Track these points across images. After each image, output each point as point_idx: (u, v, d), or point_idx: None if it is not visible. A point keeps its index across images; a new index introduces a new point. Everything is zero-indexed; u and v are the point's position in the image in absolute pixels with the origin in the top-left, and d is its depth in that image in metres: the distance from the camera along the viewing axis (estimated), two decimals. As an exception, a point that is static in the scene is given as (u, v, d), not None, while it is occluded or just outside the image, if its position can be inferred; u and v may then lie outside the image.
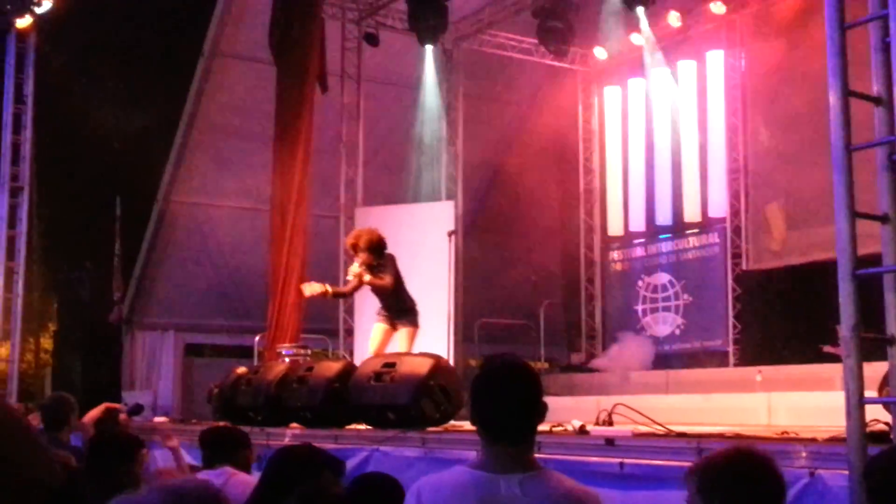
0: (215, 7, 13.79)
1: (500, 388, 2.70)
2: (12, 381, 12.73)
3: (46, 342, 16.87)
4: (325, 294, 8.76)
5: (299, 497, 3.15)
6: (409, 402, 7.25)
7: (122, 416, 6.30)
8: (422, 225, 12.43)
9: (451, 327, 10.15)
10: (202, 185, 14.75)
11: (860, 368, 3.77)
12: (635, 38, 14.54)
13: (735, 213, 13.84)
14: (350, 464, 6.33)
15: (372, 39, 14.05)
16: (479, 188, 16.55)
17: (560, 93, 16.29)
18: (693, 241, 14.45)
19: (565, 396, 12.04)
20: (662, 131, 14.76)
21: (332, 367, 8.47)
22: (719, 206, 14.08)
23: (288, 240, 12.13)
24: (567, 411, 7.90)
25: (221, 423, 7.47)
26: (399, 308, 8.69)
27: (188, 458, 6.23)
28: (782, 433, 5.85)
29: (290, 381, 8.59)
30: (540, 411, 2.70)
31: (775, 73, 13.40)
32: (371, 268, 8.55)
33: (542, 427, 2.94)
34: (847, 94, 3.87)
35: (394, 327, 8.70)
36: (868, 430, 3.81)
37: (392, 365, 7.63)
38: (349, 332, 13.34)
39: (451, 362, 9.17)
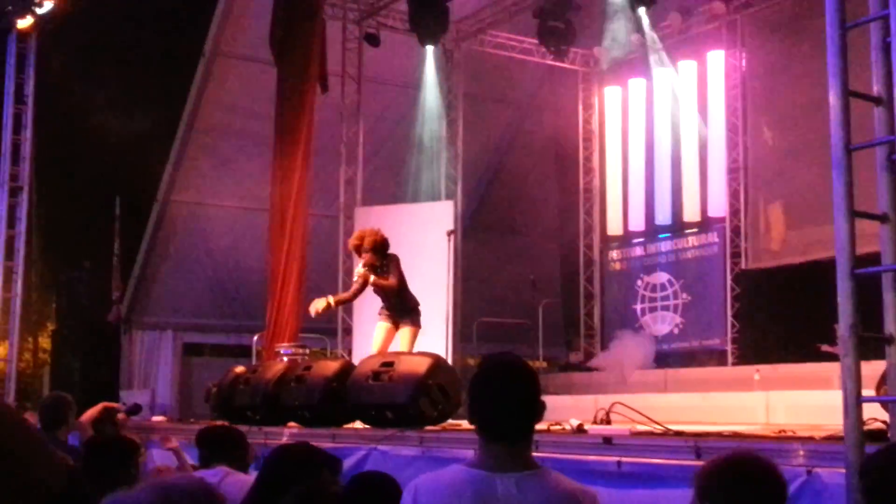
0: (216, 7, 13.79)
1: (498, 386, 2.70)
2: (10, 381, 12.73)
3: (45, 342, 16.85)
4: (329, 307, 8.80)
5: (297, 496, 3.14)
6: (408, 401, 7.25)
7: (121, 416, 6.30)
8: (421, 224, 12.43)
9: (450, 326, 10.18)
10: (202, 184, 14.75)
11: (858, 367, 3.77)
12: (636, 38, 14.54)
13: (734, 212, 13.85)
14: (348, 463, 6.33)
15: (372, 40, 14.05)
16: (478, 188, 16.56)
17: (560, 93, 16.31)
18: (692, 241, 14.46)
19: (563, 395, 12.04)
20: (662, 131, 14.77)
21: (330, 367, 8.47)
22: (719, 206, 14.09)
23: (287, 239, 12.13)
24: (565, 410, 7.90)
25: (219, 423, 7.48)
26: (402, 308, 8.69)
27: (190, 460, 6.22)
28: (780, 432, 5.85)
29: (288, 381, 8.59)
30: (538, 410, 2.70)
31: (775, 73, 13.40)
32: (374, 268, 8.55)
33: (540, 426, 2.94)
34: (847, 93, 3.87)
35: (396, 326, 8.70)
36: (866, 428, 3.82)
37: (390, 364, 7.63)
38: (347, 332, 13.34)
39: (450, 361, 9.18)
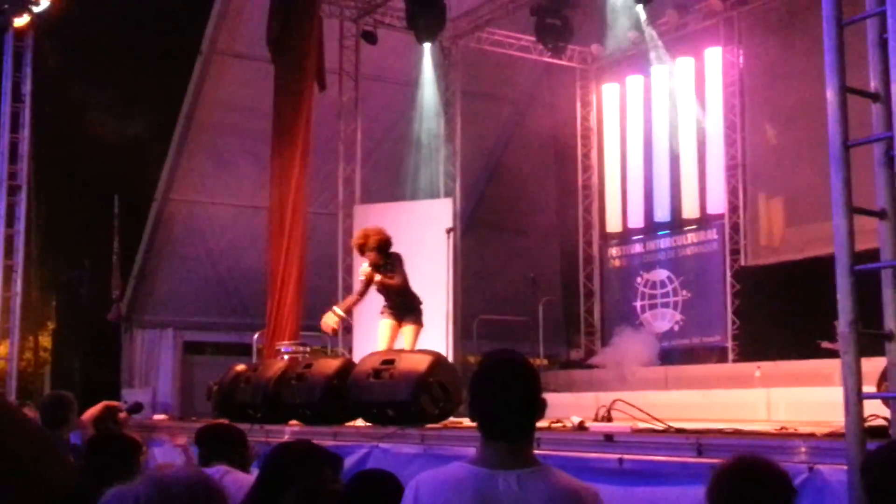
0: (213, 5, 13.78)
1: (499, 384, 2.70)
2: (11, 380, 12.72)
3: (45, 340, 16.85)
4: (340, 319, 8.83)
5: (298, 494, 3.14)
6: (409, 398, 7.26)
7: (122, 415, 6.28)
8: (420, 222, 12.42)
9: (450, 324, 10.19)
10: (200, 183, 14.75)
11: (858, 364, 3.78)
12: (633, 36, 14.54)
13: (733, 209, 13.85)
14: (349, 461, 6.34)
15: (370, 37, 14.05)
16: (477, 185, 16.56)
17: (558, 90, 16.30)
18: (691, 238, 14.46)
19: (564, 393, 12.06)
20: (660, 128, 14.77)
21: (331, 365, 8.48)
22: (718, 203, 14.09)
23: (286, 237, 12.13)
24: (566, 408, 7.91)
25: (218, 421, 7.47)
26: (406, 306, 8.70)
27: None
28: (781, 429, 5.86)
29: (289, 379, 8.60)
30: (539, 408, 2.70)
31: (773, 69, 13.40)
32: (378, 267, 8.55)
33: (541, 423, 2.94)
34: (845, 90, 3.88)
35: (399, 324, 8.70)
36: (867, 425, 3.82)
37: (391, 362, 7.64)
38: (348, 330, 13.32)
39: (451, 359, 9.18)
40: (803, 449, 4.35)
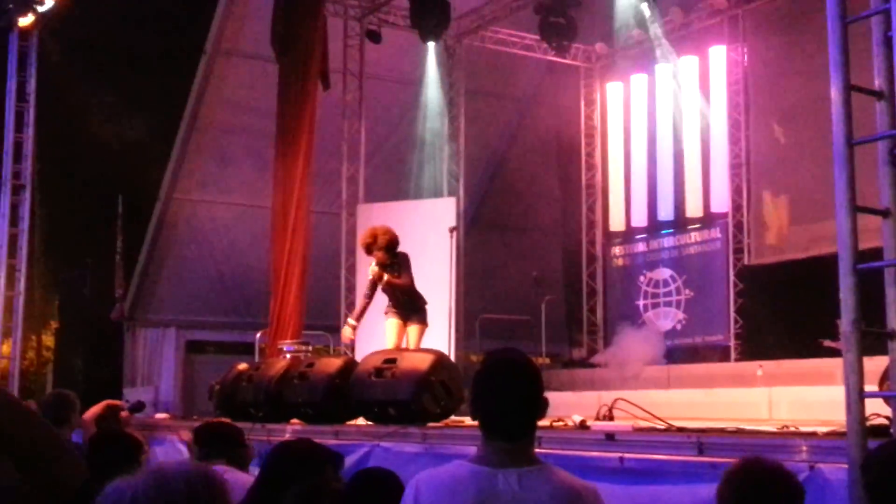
0: (217, 5, 13.79)
1: (501, 383, 2.70)
2: (14, 379, 12.74)
3: (48, 339, 16.89)
4: (355, 328, 8.88)
5: (299, 492, 3.14)
6: (410, 397, 7.26)
7: (124, 414, 6.28)
8: (423, 221, 12.42)
9: (453, 323, 10.16)
10: (204, 182, 14.77)
11: (860, 363, 3.76)
12: (637, 34, 14.53)
13: (737, 208, 13.84)
14: (350, 459, 6.34)
15: (374, 36, 14.05)
16: (480, 184, 16.56)
17: (562, 89, 16.29)
18: (695, 237, 14.44)
19: (566, 392, 12.04)
20: (664, 127, 14.75)
21: (333, 363, 8.48)
22: (721, 201, 14.07)
23: (289, 236, 12.14)
24: (568, 406, 7.90)
25: (217, 419, 7.46)
26: (412, 306, 8.70)
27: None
28: (783, 427, 5.86)
29: (291, 378, 8.60)
30: (541, 406, 2.70)
31: (777, 67, 13.39)
32: (385, 267, 8.55)
33: (542, 422, 2.94)
34: (849, 88, 3.86)
35: (405, 323, 8.70)
36: (868, 424, 3.81)
37: (393, 361, 7.63)
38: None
39: (453, 358, 9.17)
40: (804, 448, 4.34)
